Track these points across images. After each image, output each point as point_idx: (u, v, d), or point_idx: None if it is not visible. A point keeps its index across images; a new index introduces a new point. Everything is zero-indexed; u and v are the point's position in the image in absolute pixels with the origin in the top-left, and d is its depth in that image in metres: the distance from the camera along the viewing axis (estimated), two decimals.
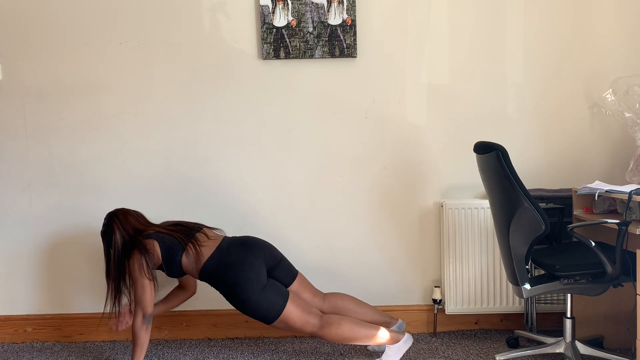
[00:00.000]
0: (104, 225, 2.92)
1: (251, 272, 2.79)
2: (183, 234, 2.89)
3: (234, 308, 3.34)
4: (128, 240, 2.86)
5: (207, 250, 2.85)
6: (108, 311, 2.96)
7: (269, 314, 2.77)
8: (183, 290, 3.14)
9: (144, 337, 2.83)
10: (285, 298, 2.80)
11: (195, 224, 2.99)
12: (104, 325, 3.37)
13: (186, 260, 2.85)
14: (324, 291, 3.28)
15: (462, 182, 3.33)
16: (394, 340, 2.87)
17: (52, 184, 3.33)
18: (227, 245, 2.89)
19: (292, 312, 2.79)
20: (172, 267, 2.86)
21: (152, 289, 2.82)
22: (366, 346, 3.16)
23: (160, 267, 2.89)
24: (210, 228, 3.00)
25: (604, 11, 3.27)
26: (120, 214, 2.93)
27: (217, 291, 2.87)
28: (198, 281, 3.28)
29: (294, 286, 2.99)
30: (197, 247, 2.84)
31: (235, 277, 2.77)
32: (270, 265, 2.91)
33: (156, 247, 2.83)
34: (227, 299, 2.83)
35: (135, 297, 2.83)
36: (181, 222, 2.99)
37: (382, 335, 2.84)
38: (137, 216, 2.96)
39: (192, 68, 3.29)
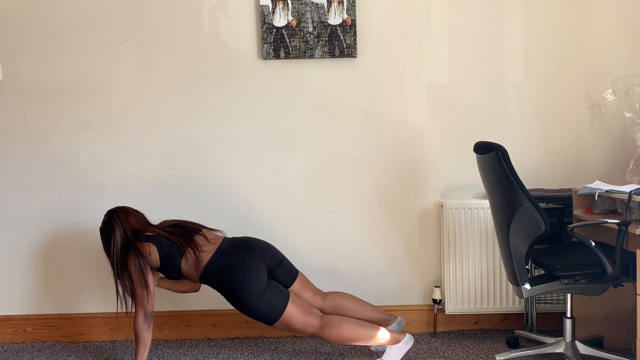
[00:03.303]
0: (104, 222, 2.90)
1: (252, 274, 2.78)
2: (182, 237, 2.86)
3: (234, 308, 3.35)
4: (126, 240, 2.84)
5: (206, 255, 2.84)
6: (120, 310, 2.97)
7: (270, 315, 2.78)
8: (192, 284, 3.10)
9: (146, 335, 2.84)
10: (286, 300, 2.80)
11: (194, 224, 2.97)
12: (104, 325, 3.37)
13: (185, 265, 2.84)
14: (324, 291, 3.28)
15: (462, 182, 3.33)
16: (395, 341, 2.87)
17: (52, 184, 3.33)
18: (227, 247, 2.88)
19: (293, 313, 2.79)
20: (170, 271, 2.86)
21: (152, 289, 2.83)
22: (368, 346, 3.16)
23: (159, 269, 2.89)
24: (210, 229, 2.98)
25: (604, 11, 3.27)
26: (121, 212, 2.90)
27: (218, 292, 2.87)
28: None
29: (295, 286, 2.99)
30: (197, 253, 2.82)
31: (236, 280, 2.77)
32: (271, 266, 2.91)
33: (153, 252, 2.82)
34: (228, 301, 2.83)
35: (134, 297, 2.83)
36: (180, 223, 2.96)
37: (383, 335, 2.84)
38: (138, 216, 2.94)
39: (192, 68, 3.29)
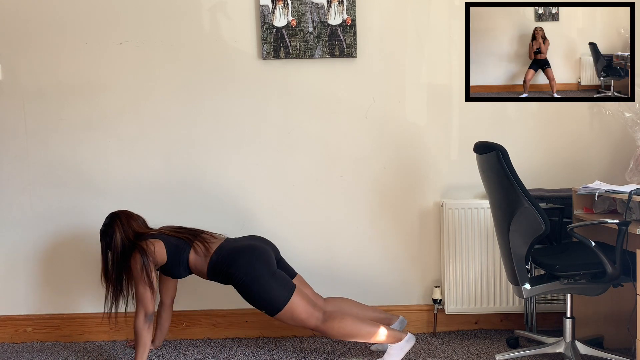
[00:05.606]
0: (105, 224, 2.91)
1: (261, 256, 2.84)
2: (188, 234, 2.94)
3: (234, 308, 3.35)
4: (127, 243, 2.85)
5: (215, 244, 2.91)
6: (107, 312, 2.95)
7: (277, 300, 2.78)
8: (165, 306, 3.12)
9: (147, 336, 2.83)
10: (292, 288, 2.83)
11: (196, 229, 3.02)
12: (104, 325, 3.36)
13: (194, 256, 2.87)
14: (324, 292, 3.28)
15: (462, 182, 3.33)
16: (396, 339, 2.87)
17: (52, 184, 3.33)
18: (233, 239, 2.98)
19: (299, 302, 2.81)
20: (178, 265, 2.87)
21: (155, 289, 2.84)
22: (369, 346, 3.16)
23: (161, 268, 2.89)
24: (212, 234, 3.01)
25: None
26: (123, 215, 2.92)
27: (222, 285, 2.89)
28: (194, 280, 3.28)
29: (295, 282, 3.00)
30: (205, 243, 2.88)
31: (245, 262, 2.80)
32: (276, 258, 2.97)
33: (160, 247, 2.84)
34: (236, 288, 2.83)
35: (137, 297, 2.84)
36: (182, 227, 3.02)
37: (384, 333, 2.85)
38: (140, 220, 2.97)
39: (192, 68, 3.29)
